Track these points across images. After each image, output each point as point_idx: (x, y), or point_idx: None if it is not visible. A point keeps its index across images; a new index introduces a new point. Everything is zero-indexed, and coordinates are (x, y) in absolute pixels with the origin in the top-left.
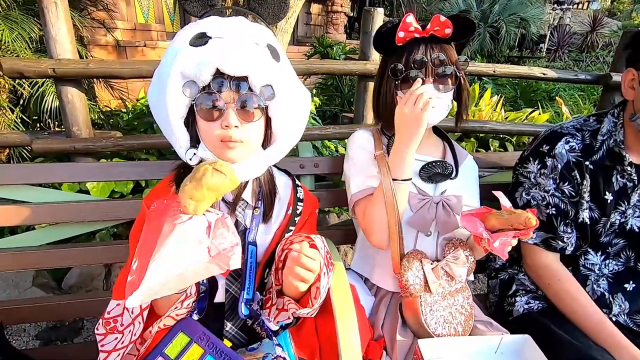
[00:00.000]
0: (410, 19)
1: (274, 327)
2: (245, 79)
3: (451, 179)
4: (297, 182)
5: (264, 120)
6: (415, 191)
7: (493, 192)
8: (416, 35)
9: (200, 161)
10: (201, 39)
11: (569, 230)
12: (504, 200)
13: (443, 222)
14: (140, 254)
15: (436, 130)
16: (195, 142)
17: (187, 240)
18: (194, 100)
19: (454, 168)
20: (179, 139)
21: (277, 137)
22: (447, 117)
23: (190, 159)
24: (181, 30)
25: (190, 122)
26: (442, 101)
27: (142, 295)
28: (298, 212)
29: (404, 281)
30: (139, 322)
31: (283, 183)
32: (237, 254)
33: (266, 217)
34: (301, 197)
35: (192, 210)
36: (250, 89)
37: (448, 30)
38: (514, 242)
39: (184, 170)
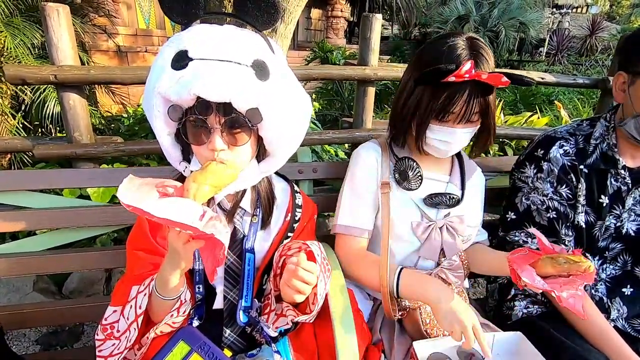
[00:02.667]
0: (468, 67)
1: (273, 334)
2: (229, 102)
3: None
4: (296, 188)
5: (254, 139)
6: (419, 215)
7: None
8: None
9: None
10: (181, 61)
11: (570, 233)
12: (545, 241)
13: (449, 246)
14: None
15: None
16: (187, 154)
17: (181, 204)
18: (179, 125)
19: (460, 193)
20: (170, 153)
21: (271, 153)
22: None
23: (184, 170)
24: (165, 45)
25: (181, 135)
26: (464, 136)
27: (128, 191)
28: (297, 218)
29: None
30: (134, 329)
31: (281, 189)
32: (226, 238)
33: (265, 224)
34: (300, 203)
35: (192, 194)
36: (236, 111)
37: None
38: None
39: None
